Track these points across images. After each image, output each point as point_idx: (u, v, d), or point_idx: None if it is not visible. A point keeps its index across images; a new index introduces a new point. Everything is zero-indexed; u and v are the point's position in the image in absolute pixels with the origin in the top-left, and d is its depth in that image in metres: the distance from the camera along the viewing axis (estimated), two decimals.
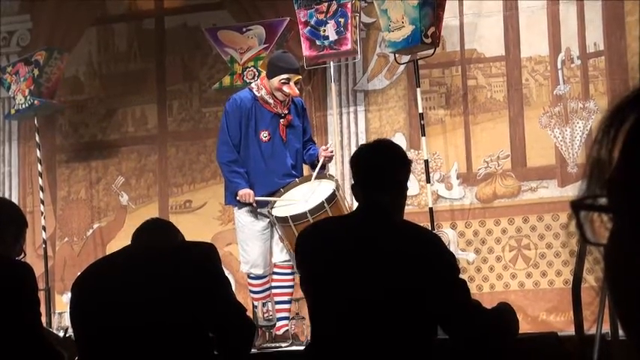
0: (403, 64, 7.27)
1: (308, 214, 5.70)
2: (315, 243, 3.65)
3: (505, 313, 3.71)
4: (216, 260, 3.70)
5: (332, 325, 3.48)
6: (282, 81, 6.01)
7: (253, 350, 4.49)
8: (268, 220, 6.00)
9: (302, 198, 5.90)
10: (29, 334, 3.74)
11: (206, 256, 3.70)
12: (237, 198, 5.98)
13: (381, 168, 3.65)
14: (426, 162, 6.99)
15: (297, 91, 6.14)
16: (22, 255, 4.08)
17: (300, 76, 6.25)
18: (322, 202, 5.74)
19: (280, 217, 5.81)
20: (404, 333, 3.42)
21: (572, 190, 6.86)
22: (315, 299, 3.61)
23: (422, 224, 6.67)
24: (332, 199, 5.77)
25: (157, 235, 3.87)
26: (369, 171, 3.66)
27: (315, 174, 6.04)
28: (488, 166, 7.28)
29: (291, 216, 5.74)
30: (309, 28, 7.06)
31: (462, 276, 3.58)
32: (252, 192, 5.95)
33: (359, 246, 3.51)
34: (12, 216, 4.10)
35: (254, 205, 5.99)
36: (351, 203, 6.59)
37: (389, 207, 3.62)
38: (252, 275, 6.13)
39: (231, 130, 6.06)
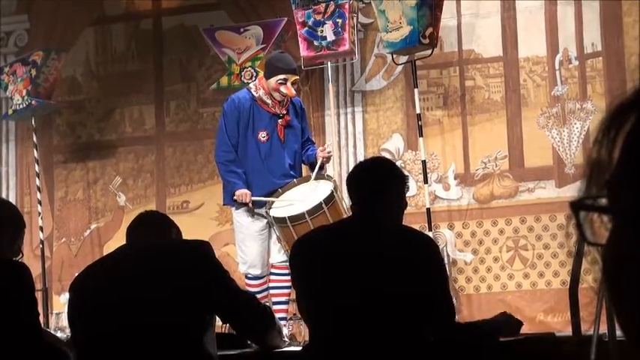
0: (401, 64, 7.26)
1: (306, 215, 5.70)
2: (307, 255, 3.70)
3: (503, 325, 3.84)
4: (212, 255, 3.76)
5: (330, 328, 3.51)
6: (280, 81, 6.02)
7: (248, 350, 4.50)
8: (266, 220, 6.00)
9: (300, 198, 5.90)
10: (28, 334, 3.74)
11: (203, 253, 3.73)
12: (235, 198, 5.99)
13: (376, 181, 3.72)
14: (424, 162, 6.99)
15: (294, 92, 6.15)
16: (20, 256, 4.07)
17: (298, 77, 6.25)
18: (320, 203, 5.74)
19: (278, 218, 5.81)
20: (401, 333, 3.46)
21: (570, 191, 6.86)
22: (314, 304, 3.63)
23: (419, 225, 6.69)
24: (330, 199, 5.77)
25: (152, 230, 3.88)
26: (364, 186, 3.72)
27: (313, 175, 6.04)
28: (486, 167, 7.28)
29: (289, 216, 5.74)
30: (306, 28, 7.05)
31: (455, 278, 3.67)
32: (248, 192, 5.96)
33: (352, 251, 3.57)
34: (10, 217, 4.09)
35: (250, 205, 5.99)
36: (348, 204, 6.59)
37: (382, 213, 3.67)
38: (249, 276, 6.13)
39: (229, 131, 6.07)
